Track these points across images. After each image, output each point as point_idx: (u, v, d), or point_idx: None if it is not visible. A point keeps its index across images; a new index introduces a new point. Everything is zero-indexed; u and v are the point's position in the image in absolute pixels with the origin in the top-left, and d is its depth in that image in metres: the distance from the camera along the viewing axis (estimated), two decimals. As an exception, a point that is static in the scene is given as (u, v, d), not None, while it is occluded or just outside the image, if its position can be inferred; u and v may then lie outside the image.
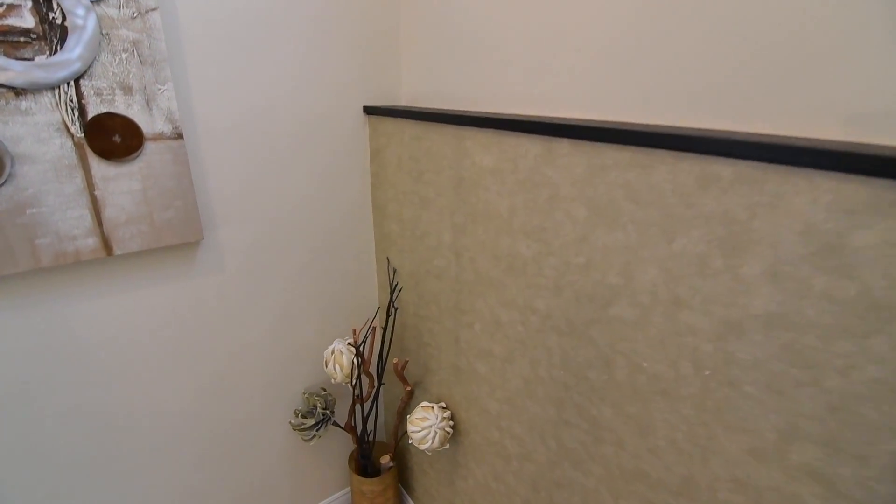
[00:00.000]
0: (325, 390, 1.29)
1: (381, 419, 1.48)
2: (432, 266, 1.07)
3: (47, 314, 0.90)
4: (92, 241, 0.88)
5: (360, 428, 1.36)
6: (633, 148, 0.61)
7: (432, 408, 1.12)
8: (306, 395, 1.27)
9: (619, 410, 0.71)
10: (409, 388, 1.21)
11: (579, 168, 0.68)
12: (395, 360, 1.14)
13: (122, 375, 1.01)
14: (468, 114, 0.86)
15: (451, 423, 1.12)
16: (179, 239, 0.97)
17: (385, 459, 1.30)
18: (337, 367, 1.15)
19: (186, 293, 1.04)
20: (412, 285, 1.16)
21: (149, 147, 0.90)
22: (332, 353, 1.16)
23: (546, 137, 0.72)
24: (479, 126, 0.84)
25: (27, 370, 0.90)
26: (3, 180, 0.79)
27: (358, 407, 1.35)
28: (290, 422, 1.25)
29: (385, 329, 1.20)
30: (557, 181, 0.72)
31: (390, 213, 1.18)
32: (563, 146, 0.70)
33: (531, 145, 0.75)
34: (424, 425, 1.08)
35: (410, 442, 1.11)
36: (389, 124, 1.10)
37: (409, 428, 1.10)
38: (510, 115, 0.83)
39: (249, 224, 1.08)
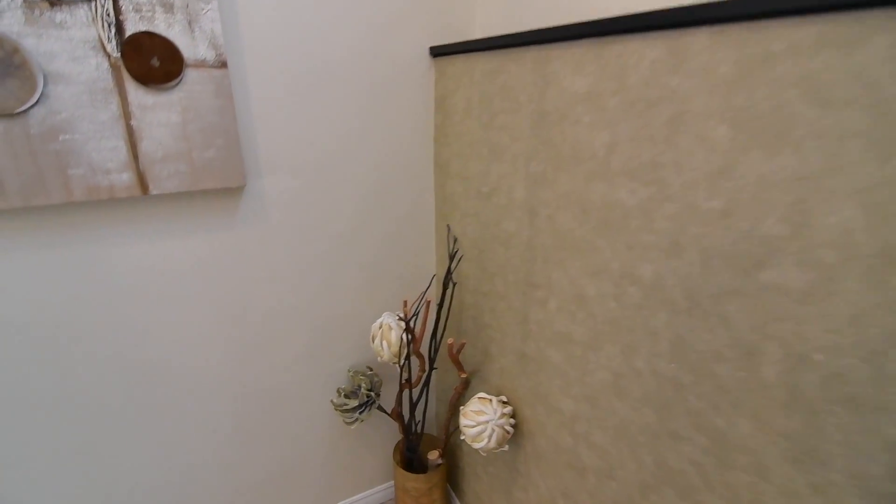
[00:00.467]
0: (370, 370, 1.16)
1: (430, 409, 1.33)
2: (499, 231, 0.89)
3: (81, 255, 0.83)
4: (127, 177, 0.80)
5: (407, 416, 1.21)
6: (824, 17, 0.39)
7: (490, 401, 0.94)
8: (351, 374, 1.15)
9: (765, 424, 0.49)
10: (464, 376, 1.04)
11: (724, 67, 0.47)
12: (449, 341, 0.98)
13: (157, 328, 0.93)
14: (556, 28, 0.67)
15: (513, 420, 0.94)
16: (220, 183, 0.87)
17: (434, 455, 1.14)
18: (384, 343, 1.01)
19: (226, 245, 0.94)
20: (474, 256, 0.99)
21: (189, 75, 0.81)
22: (380, 327, 1.02)
23: (671, 33, 0.52)
24: (570, 39, 0.65)
25: (60, 311, 0.84)
26: (35, 99, 0.72)
27: (406, 392, 1.20)
28: (331, 400, 1.13)
29: (440, 305, 1.04)
30: (686, 93, 0.51)
31: (454, 170, 1.02)
32: (699, 40, 0.49)
33: (646, 49, 0.55)
34: (480, 420, 0.90)
35: (463, 438, 0.94)
36: (459, 64, 0.94)
37: (463, 422, 0.93)
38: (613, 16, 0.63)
39: (296, 174, 0.96)
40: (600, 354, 0.70)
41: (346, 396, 1.12)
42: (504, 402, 0.96)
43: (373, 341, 1.04)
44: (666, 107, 0.54)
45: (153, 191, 0.83)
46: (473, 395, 1.01)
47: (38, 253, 0.81)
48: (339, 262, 1.07)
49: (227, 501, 1.12)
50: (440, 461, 1.15)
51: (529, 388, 0.89)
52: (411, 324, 0.99)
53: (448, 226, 1.08)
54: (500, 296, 0.93)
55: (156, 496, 1.04)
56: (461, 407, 0.98)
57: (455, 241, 1.05)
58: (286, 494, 1.20)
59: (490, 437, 0.90)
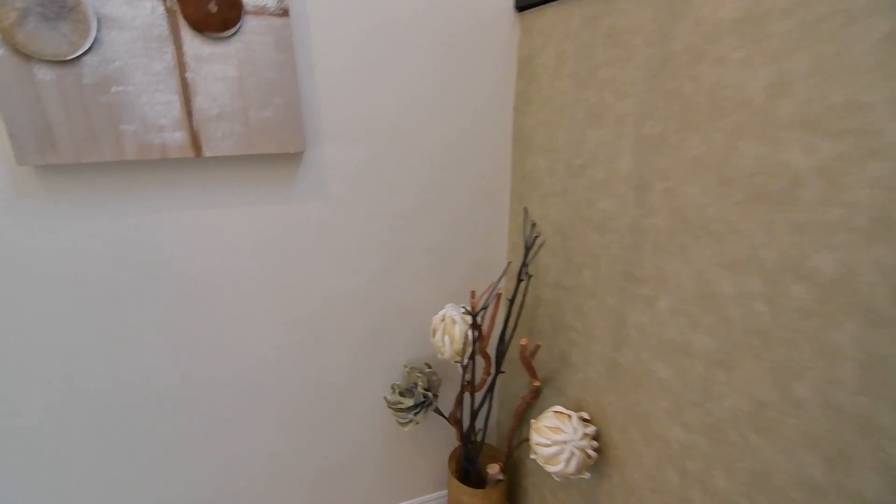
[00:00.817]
0: (429, 367, 1.04)
1: (493, 417, 1.19)
2: (593, 212, 0.73)
3: (131, 220, 0.78)
4: (180, 136, 0.74)
5: (466, 423, 1.08)
6: None
7: (569, 417, 0.78)
8: (407, 370, 1.03)
9: None
10: (536, 384, 0.89)
11: None
12: (523, 342, 0.83)
13: (207, 303, 0.87)
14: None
15: (595, 443, 0.78)
16: (277, 147, 0.79)
17: (494, 469, 1.00)
18: (446, 338, 0.88)
19: (281, 219, 0.86)
20: (557, 243, 0.84)
21: (248, 23, 0.73)
22: (443, 320, 0.90)
23: None
24: (720, -53, 0.48)
25: (108, 277, 0.80)
26: (89, 45, 0.67)
27: (467, 396, 1.07)
28: (385, 397, 1.02)
29: (512, 300, 0.90)
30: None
31: (537, 143, 0.87)
32: None
33: (857, -65, 0.37)
34: (557, 439, 0.75)
35: (532, 456, 0.80)
36: (550, 14, 0.79)
37: (535, 438, 0.78)
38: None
39: (359, 143, 0.86)
40: (736, 374, 0.52)
41: (401, 394, 1.01)
42: (586, 421, 0.80)
43: (433, 335, 0.91)
44: (879, 20, 0.36)
45: (206, 152, 0.76)
46: (546, 408, 0.86)
47: (87, 214, 0.76)
48: (402, 246, 0.95)
49: (277, 497, 1.06)
50: (501, 477, 1.01)
51: (622, 406, 0.72)
52: (478, 319, 0.85)
53: (525, 209, 0.94)
54: (588, 292, 0.77)
55: (200, 484, 0.98)
56: (532, 420, 0.83)
57: (533, 226, 0.90)
58: (335, 493, 1.11)
59: (568, 460, 0.74)
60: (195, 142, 0.75)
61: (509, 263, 0.98)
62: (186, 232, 0.82)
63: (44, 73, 0.66)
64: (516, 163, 0.96)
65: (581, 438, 0.75)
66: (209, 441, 0.96)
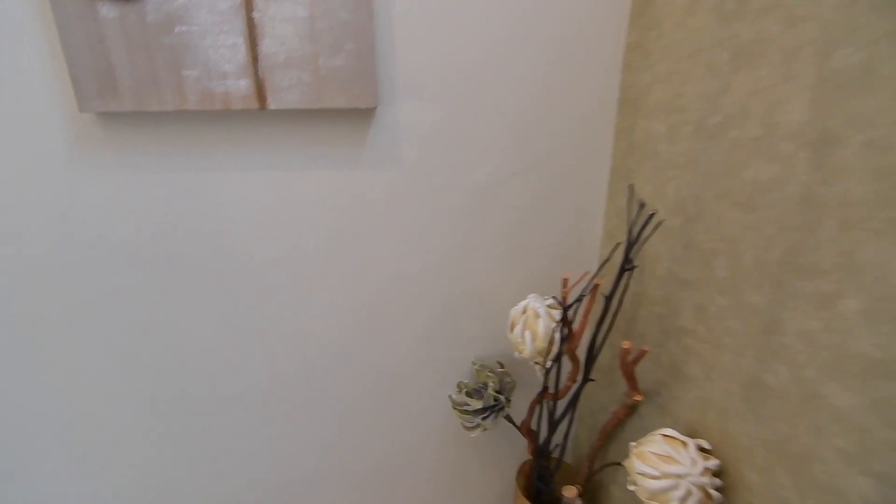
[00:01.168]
0: (502, 367, 0.91)
1: (573, 430, 1.03)
2: (736, 182, 0.57)
3: (190, 177, 0.72)
4: (244, 85, 0.66)
5: (543, 435, 0.94)
6: None
7: (685, 445, 0.62)
8: (476, 367, 0.91)
9: None
10: (636, 398, 0.73)
11: None
12: (625, 345, 0.67)
13: (265, 279, 0.80)
14: None
15: (718, 481, 0.61)
16: (347, 101, 0.69)
17: (571, 493, 0.85)
18: (527, 334, 0.75)
19: (348, 187, 0.77)
20: (676, 226, 0.68)
21: (323, -46, 0.64)
22: (524, 312, 0.76)
23: None
24: None
25: (162, 235, 0.75)
26: (152, -22, 0.60)
27: (546, 404, 0.92)
28: (450, 396, 0.90)
29: (611, 295, 0.74)
30: None
31: (654, 102, 0.71)
32: None
33: None
34: (670, 471, 0.59)
35: (632, 488, 0.64)
36: (684, -63, 0.63)
37: (638, 466, 0.63)
38: None
39: (437, 101, 0.75)
40: None
41: (468, 395, 0.88)
42: (705, 451, 0.63)
43: (511, 330, 0.78)
44: None
45: (271, 104, 0.68)
46: (644, 428, 0.70)
47: (145, 172, 0.71)
48: (476, 224, 0.83)
49: (325, 494, 0.98)
50: (579, 503, 0.86)
51: (764, 439, 0.55)
52: (570, 315, 0.71)
53: (631, 186, 0.78)
54: (718, 287, 0.60)
55: (250, 472, 0.92)
56: (631, 443, 0.67)
57: (641, 206, 0.74)
58: (384, 495, 1.01)
59: (684, 500, 0.58)
60: (260, 91, 0.67)
61: (617, 245, 0.82)
62: (245, 197, 0.75)
63: (107, 10, 0.61)
64: (621, 131, 0.80)
65: (701, 473, 0.59)
66: (262, 428, 0.89)
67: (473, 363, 0.92)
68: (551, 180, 0.83)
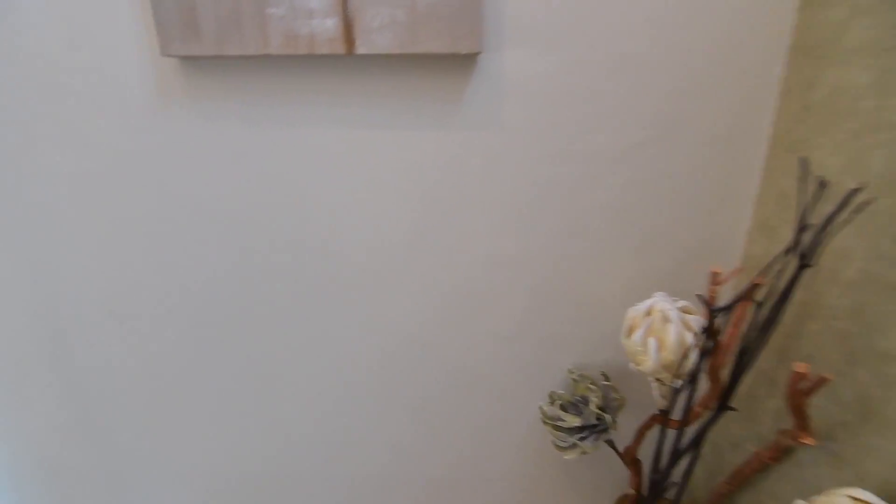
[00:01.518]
0: (606, 379, 0.75)
1: (697, 470, 0.85)
2: None
3: (269, 131, 0.65)
4: (331, 24, 0.58)
5: (649, 467, 0.77)
6: None
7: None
8: (574, 377, 0.76)
9: None
10: (806, 441, 0.55)
11: None
12: (800, 369, 0.50)
13: (343, 255, 0.71)
14: None
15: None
16: (447, 44, 0.58)
17: (686, 544, 0.68)
18: (652, 341, 0.59)
19: (442, 150, 0.66)
20: (882, 211, 0.49)
21: None
22: (648, 313, 0.60)
23: None
24: None
25: (240, 193, 0.69)
26: None
27: (660, 431, 0.75)
28: (541, 407, 0.76)
29: (779, 303, 0.56)
30: None
31: (851, 44, 0.53)
32: None
33: None
34: (876, 555, 0.41)
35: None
36: None
37: (820, 538, 0.45)
38: None
39: (557, 48, 0.61)
40: None
41: (562, 408, 0.74)
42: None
43: (628, 335, 0.63)
44: None
45: (360, 48, 0.58)
46: (813, 482, 0.52)
47: (225, 121, 0.65)
48: (589, 203, 0.68)
49: (393, 497, 0.89)
50: (696, 558, 0.68)
51: None
52: (717, 323, 0.54)
53: (804, 159, 0.59)
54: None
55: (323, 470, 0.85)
56: (800, 503, 0.49)
57: (823, 186, 0.55)
58: (456, 511, 0.90)
59: None
60: (348, 32, 0.58)
61: (803, 227, 0.64)
62: (324, 158, 0.67)
63: (193, -59, 0.55)
64: (792, 88, 0.61)
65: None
66: (335, 419, 0.82)
67: (570, 371, 0.78)
68: (688, 152, 0.66)
